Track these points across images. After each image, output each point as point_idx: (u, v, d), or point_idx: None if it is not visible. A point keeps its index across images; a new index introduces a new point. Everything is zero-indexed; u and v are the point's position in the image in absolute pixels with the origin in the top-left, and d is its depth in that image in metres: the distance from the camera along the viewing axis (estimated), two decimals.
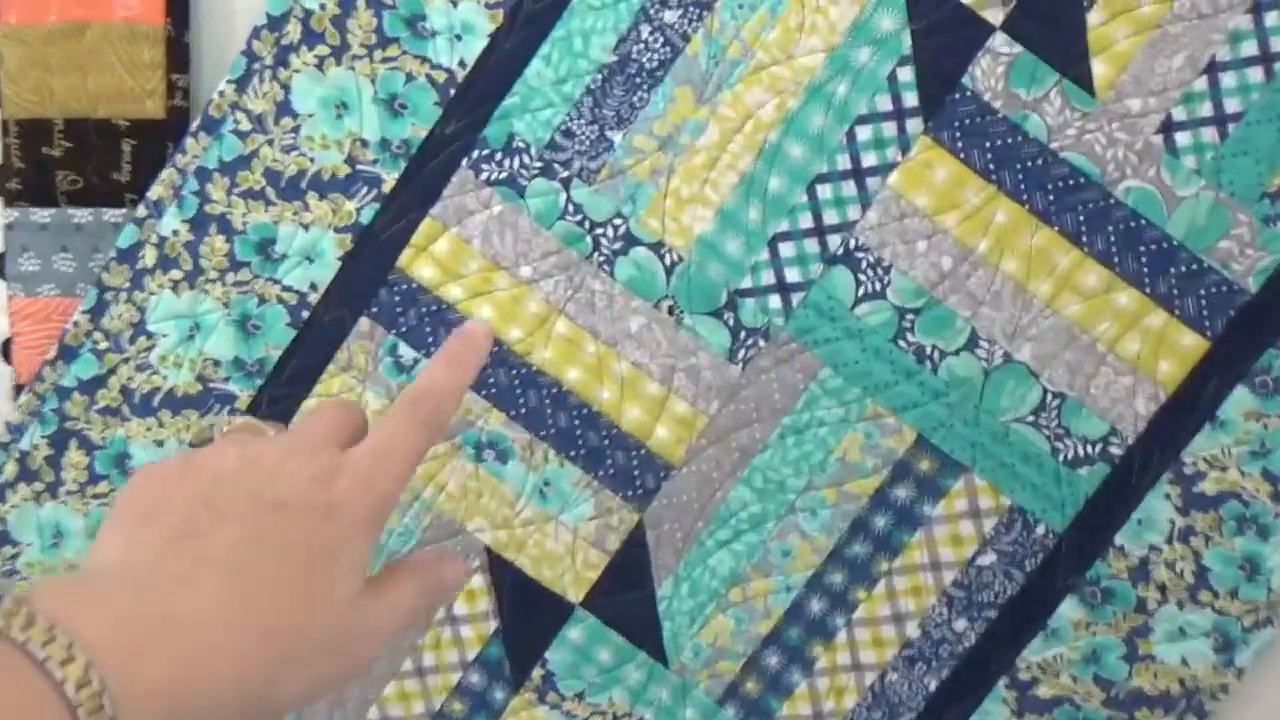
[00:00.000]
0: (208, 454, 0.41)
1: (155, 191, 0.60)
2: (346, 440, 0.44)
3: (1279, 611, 0.58)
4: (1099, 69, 0.56)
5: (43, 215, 0.60)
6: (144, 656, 0.32)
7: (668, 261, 0.59)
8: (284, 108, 0.59)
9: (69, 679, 0.30)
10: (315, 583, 0.38)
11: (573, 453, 0.60)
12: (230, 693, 0.34)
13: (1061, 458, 0.58)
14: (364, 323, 0.60)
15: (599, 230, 0.59)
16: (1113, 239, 0.57)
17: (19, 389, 0.61)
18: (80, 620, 0.32)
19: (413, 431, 0.43)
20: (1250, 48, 0.55)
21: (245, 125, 0.59)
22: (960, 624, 0.60)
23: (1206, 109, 0.56)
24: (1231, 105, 0.55)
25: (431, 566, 0.46)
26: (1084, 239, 0.57)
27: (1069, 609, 0.59)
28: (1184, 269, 0.56)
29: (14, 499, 0.61)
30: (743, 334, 0.59)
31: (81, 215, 0.60)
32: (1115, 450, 0.58)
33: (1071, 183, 0.56)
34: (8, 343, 0.61)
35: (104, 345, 0.60)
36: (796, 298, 0.58)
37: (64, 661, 0.31)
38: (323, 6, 0.58)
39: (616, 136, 0.58)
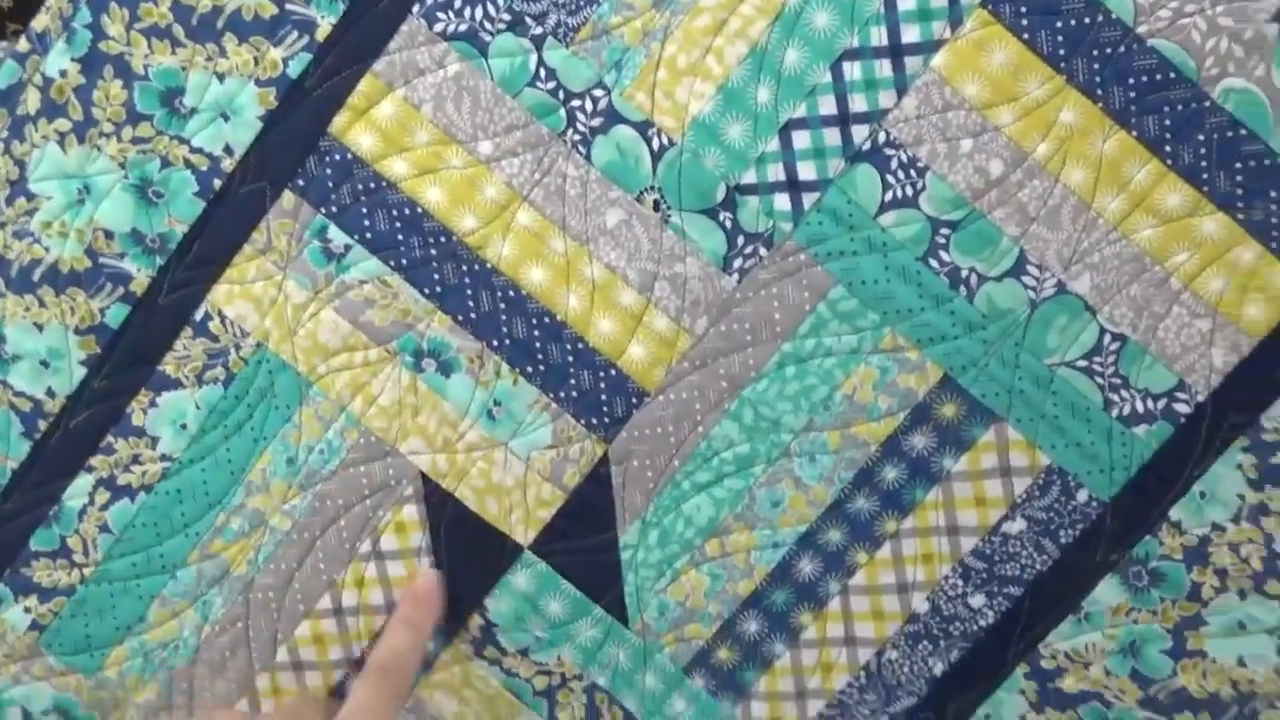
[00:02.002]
0: None
1: (40, 21, 0.59)
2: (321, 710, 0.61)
3: None
4: None
5: None
6: None
7: (656, 145, 0.57)
8: None
9: None
10: None
11: (529, 369, 0.59)
12: None
13: (1116, 413, 0.57)
14: (288, 198, 0.59)
15: (575, 102, 0.57)
16: (1203, 151, 0.55)
17: None
18: None
19: (383, 702, 0.56)
20: None
21: None
22: (977, 600, 0.60)
23: None
24: None
25: None
26: (1168, 149, 0.55)
27: (1108, 591, 0.59)
28: None
29: None
30: (741, 239, 0.57)
31: None
32: (1182, 408, 0.57)
33: (1159, 78, 0.54)
34: None
35: None
36: (809, 199, 0.57)
37: None
38: None
39: None
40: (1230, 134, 0.56)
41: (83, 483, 0.63)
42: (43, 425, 0.63)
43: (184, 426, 0.63)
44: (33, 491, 0.63)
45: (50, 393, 0.63)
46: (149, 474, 0.63)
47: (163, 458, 0.63)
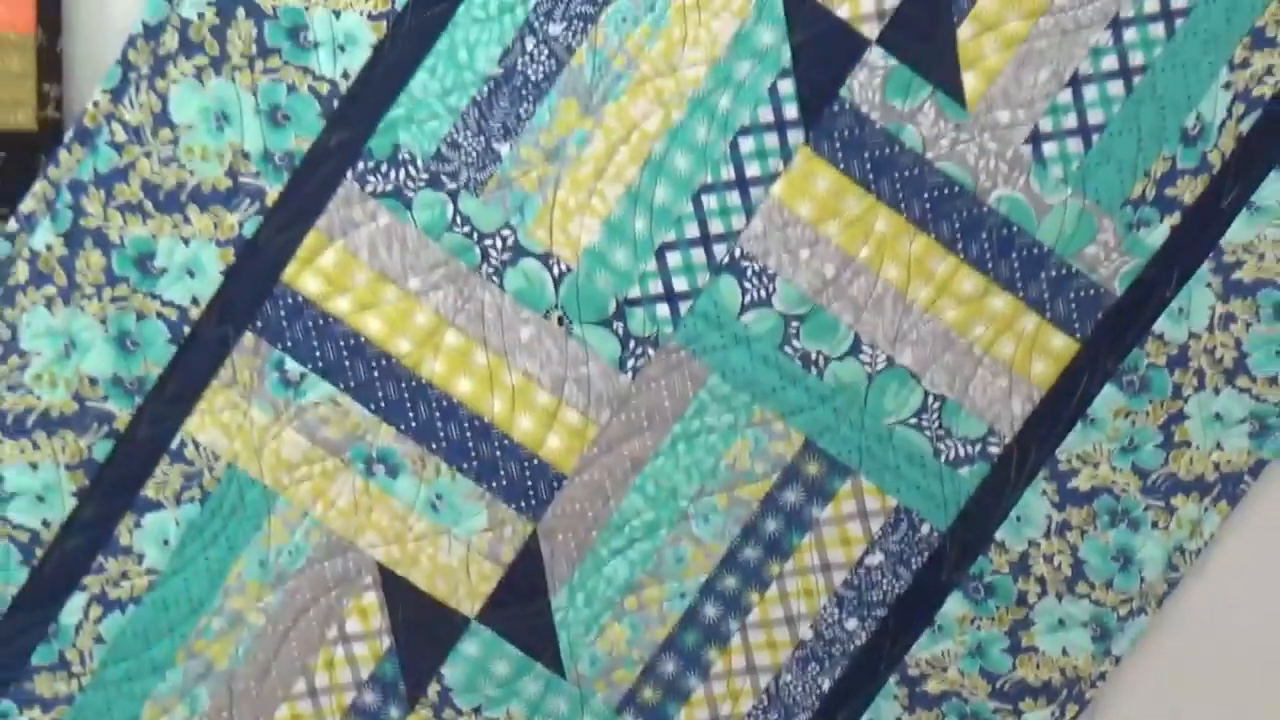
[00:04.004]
0: None
1: (27, 205, 0.71)
2: None
3: (1151, 601, 0.74)
4: (970, 82, 0.71)
5: None
6: None
7: (556, 272, 0.72)
8: (162, 119, 0.71)
9: None
10: None
11: (464, 465, 0.73)
12: None
13: (943, 458, 0.73)
14: (248, 338, 0.72)
15: (487, 241, 0.72)
16: (986, 245, 0.72)
17: None
18: None
19: None
20: (1110, 62, 0.71)
21: (121, 136, 0.71)
22: (851, 623, 0.74)
23: (1071, 120, 0.71)
24: (1094, 117, 0.71)
25: None
26: (960, 246, 0.72)
27: (954, 605, 0.74)
28: (1054, 273, 0.72)
29: None
30: (632, 343, 0.72)
31: None
32: (994, 449, 0.73)
33: (946, 191, 0.71)
34: None
35: None
36: (684, 306, 0.72)
37: None
38: (201, 16, 0.70)
39: (503, 148, 0.71)
40: (1005, 231, 0.73)
41: (77, 600, 0.74)
42: (39, 553, 0.74)
43: (166, 542, 0.75)
44: (32, 612, 0.74)
45: (45, 523, 0.74)
46: (137, 587, 0.75)
47: (148, 571, 0.75)
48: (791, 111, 0.73)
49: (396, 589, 0.76)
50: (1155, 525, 0.76)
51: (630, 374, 0.75)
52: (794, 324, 0.74)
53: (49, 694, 0.75)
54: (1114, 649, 0.77)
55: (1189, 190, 0.73)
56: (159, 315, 0.74)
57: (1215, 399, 0.75)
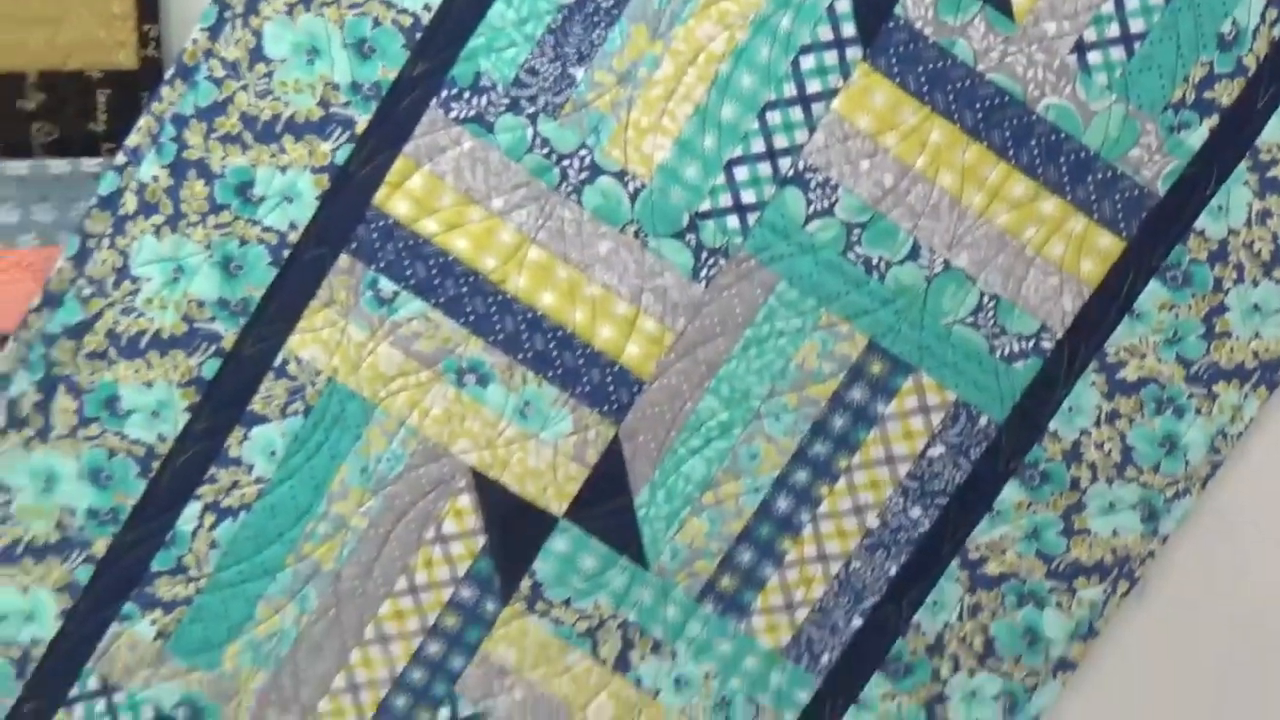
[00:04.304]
0: None
1: (133, 139, 0.76)
2: None
3: (1195, 483, 0.79)
4: None
5: (20, 167, 0.76)
6: None
7: (631, 188, 0.77)
8: (257, 54, 0.76)
9: None
10: None
11: (550, 373, 0.78)
12: None
13: (999, 354, 0.78)
14: (344, 259, 0.77)
15: (566, 162, 0.77)
16: (1036, 152, 0.76)
17: (4, 339, 0.76)
18: None
19: None
20: None
21: (220, 72, 0.75)
22: (915, 512, 0.80)
23: (1114, 30, 0.76)
24: (1136, 25, 0.76)
25: None
26: (1010, 153, 0.77)
27: (1011, 492, 0.80)
28: (1100, 176, 0.77)
29: (3, 446, 0.77)
30: (704, 254, 0.77)
31: (59, 166, 0.76)
32: (1046, 345, 0.78)
33: (997, 101, 0.76)
34: None
35: (89, 291, 0.76)
36: (752, 218, 0.77)
37: None
38: None
39: (578, 72, 0.76)
40: (1053, 138, 0.78)
41: (192, 509, 0.80)
42: (155, 466, 0.80)
43: (273, 453, 0.80)
44: (151, 522, 0.80)
45: (160, 438, 0.79)
46: (247, 495, 0.80)
47: (257, 481, 0.80)
48: (849, 30, 0.78)
49: (489, 491, 0.81)
50: (1198, 412, 0.81)
51: (703, 283, 0.80)
52: (856, 231, 0.79)
53: (169, 597, 0.81)
54: (1161, 529, 0.82)
55: (1226, 93, 0.78)
56: (260, 240, 0.79)
57: (1254, 291, 0.80)
